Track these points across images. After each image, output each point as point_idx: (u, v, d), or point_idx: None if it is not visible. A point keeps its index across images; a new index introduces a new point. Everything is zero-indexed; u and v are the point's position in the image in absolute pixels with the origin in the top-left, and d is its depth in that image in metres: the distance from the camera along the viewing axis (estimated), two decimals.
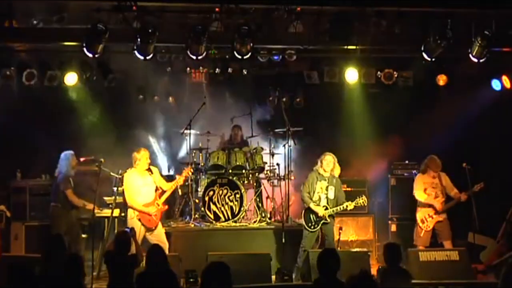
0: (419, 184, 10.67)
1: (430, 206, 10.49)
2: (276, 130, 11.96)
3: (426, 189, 10.62)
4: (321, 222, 9.93)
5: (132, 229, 8.57)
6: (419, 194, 10.59)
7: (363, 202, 10.00)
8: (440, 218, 10.49)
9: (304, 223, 10.04)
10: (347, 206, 9.92)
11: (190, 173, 10.51)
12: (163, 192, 9.89)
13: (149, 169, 9.81)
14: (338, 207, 9.92)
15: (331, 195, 9.97)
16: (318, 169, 10.12)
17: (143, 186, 9.75)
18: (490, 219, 10.76)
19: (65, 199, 10.34)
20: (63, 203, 10.35)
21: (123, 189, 9.91)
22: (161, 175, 10.28)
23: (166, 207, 10.00)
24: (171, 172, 12.48)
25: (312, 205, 9.94)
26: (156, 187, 9.86)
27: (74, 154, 10.60)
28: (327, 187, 9.98)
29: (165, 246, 9.78)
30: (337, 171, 10.19)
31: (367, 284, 5.39)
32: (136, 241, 8.40)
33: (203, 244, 10.35)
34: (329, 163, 10.01)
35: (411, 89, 12.23)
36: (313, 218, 9.99)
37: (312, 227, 9.99)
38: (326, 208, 9.91)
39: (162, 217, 10.19)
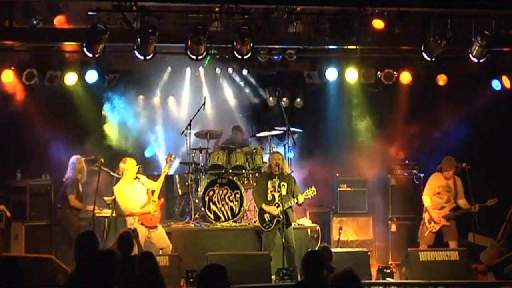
0: (430, 187, 10.60)
1: (440, 209, 10.47)
2: (276, 129, 11.96)
3: (439, 192, 10.53)
4: (275, 220, 9.97)
5: (135, 230, 8.61)
6: (425, 200, 10.56)
7: (312, 193, 9.97)
8: (447, 223, 10.45)
9: (259, 224, 10.15)
10: (297, 199, 9.95)
11: (172, 159, 10.50)
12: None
13: (136, 177, 9.99)
14: (289, 202, 9.95)
15: (284, 192, 10.01)
16: (267, 169, 10.29)
17: (134, 193, 9.91)
18: (490, 219, 10.75)
19: (69, 203, 10.42)
20: (68, 206, 10.43)
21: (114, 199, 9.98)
22: (147, 176, 10.36)
23: (162, 200, 10.09)
24: (171, 172, 12.47)
25: (264, 206, 10.03)
26: (147, 189, 9.98)
27: (80, 158, 10.67)
28: (279, 184, 9.99)
29: (169, 247, 9.82)
30: (286, 169, 10.29)
31: (351, 284, 5.30)
32: (138, 242, 8.41)
33: (203, 244, 10.35)
34: (277, 161, 10.08)
35: (411, 89, 12.23)
36: (267, 217, 10.06)
37: (267, 226, 10.06)
38: (278, 206, 9.94)
39: (162, 216, 10.23)
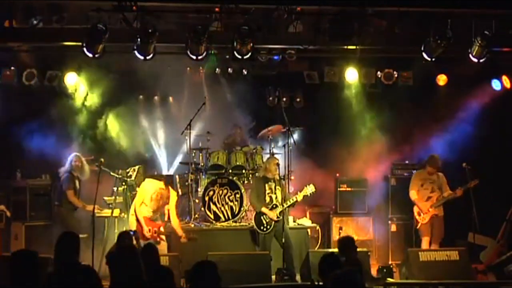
0: (414, 182, 11.00)
1: (427, 200, 10.76)
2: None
3: (423, 184, 10.89)
4: (273, 222, 9.96)
5: (136, 231, 8.59)
6: (412, 194, 10.94)
7: (311, 189, 9.96)
8: (435, 211, 10.71)
9: (256, 227, 10.11)
10: (296, 198, 9.96)
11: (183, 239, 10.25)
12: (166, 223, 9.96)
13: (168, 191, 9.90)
14: (287, 202, 9.96)
15: (280, 195, 10.06)
16: (263, 173, 10.29)
17: (154, 201, 9.77)
18: (490, 219, 10.77)
19: (66, 199, 10.38)
20: (65, 203, 10.39)
21: (124, 188, 9.96)
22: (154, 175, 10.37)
23: (159, 240, 9.81)
24: (171, 172, 12.48)
25: (263, 209, 10.01)
26: (166, 209, 9.95)
27: (78, 155, 10.63)
28: (275, 187, 10.07)
29: (164, 245, 9.81)
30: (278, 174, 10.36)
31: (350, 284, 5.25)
32: (139, 243, 8.40)
33: (203, 244, 10.34)
34: (275, 166, 10.11)
35: (411, 89, 12.23)
36: (264, 220, 10.04)
37: (265, 229, 10.03)
38: (276, 206, 9.94)
39: (163, 217, 10.21)
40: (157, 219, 9.89)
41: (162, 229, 9.77)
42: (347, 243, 7.75)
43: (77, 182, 10.51)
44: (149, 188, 9.83)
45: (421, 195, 10.85)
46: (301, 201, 10.18)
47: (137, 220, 9.69)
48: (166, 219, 10.01)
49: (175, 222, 9.96)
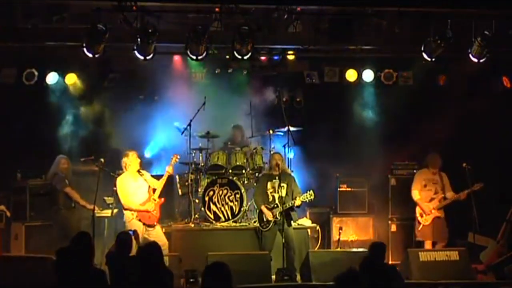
0: (417, 181, 11.03)
1: (430, 201, 10.81)
2: (276, 130, 11.97)
3: (426, 185, 10.93)
4: (272, 222, 10.00)
5: (135, 231, 8.61)
6: (414, 194, 10.98)
7: (309, 196, 9.91)
8: (438, 214, 10.75)
9: (258, 224, 10.22)
10: (294, 203, 9.92)
11: (177, 160, 10.48)
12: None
13: (139, 172, 10.01)
14: (285, 205, 9.92)
15: (283, 193, 10.03)
16: (267, 171, 10.37)
17: (137, 188, 9.96)
18: (490, 219, 10.77)
19: (65, 199, 10.39)
20: (63, 204, 10.40)
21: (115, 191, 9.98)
22: (152, 175, 10.40)
23: (162, 199, 10.10)
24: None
25: (263, 208, 10.09)
26: (149, 186, 10.03)
27: (65, 157, 10.68)
28: (279, 184, 10.01)
29: (165, 245, 9.85)
30: (286, 169, 10.41)
31: (353, 284, 5.30)
32: (138, 243, 8.40)
33: (203, 244, 10.35)
34: (277, 161, 10.12)
35: (411, 89, 12.23)
36: (265, 217, 10.10)
37: (265, 226, 10.10)
38: (277, 206, 9.94)
39: (162, 216, 10.24)
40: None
41: (157, 195, 9.96)
42: (377, 249, 7.57)
43: (67, 182, 10.55)
44: (128, 179, 9.90)
45: (423, 196, 10.88)
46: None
47: (138, 211, 9.76)
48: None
49: (159, 182, 10.04)
